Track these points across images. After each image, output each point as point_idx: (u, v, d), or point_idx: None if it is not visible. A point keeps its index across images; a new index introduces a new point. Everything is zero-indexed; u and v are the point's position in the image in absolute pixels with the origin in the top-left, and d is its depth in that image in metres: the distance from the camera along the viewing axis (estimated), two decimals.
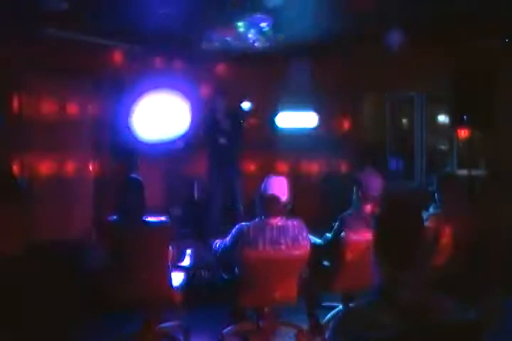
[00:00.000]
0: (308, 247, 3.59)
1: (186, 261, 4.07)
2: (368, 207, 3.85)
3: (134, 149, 6.30)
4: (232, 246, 3.58)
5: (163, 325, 3.99)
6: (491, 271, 4.10)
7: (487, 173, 5.87)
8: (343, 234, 3.74)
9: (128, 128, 6.07)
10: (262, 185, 3.61)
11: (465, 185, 5.02)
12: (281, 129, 7.04)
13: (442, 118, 6.90)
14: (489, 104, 5.11)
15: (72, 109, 6.13)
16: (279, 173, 4.06)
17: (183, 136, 6.38)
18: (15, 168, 5.47)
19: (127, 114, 6.06)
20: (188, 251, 4.46)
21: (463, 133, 5.74)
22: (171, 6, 4.68)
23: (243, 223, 3.61)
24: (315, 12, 4.92)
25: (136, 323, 3.84)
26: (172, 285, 3.72)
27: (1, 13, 4.74)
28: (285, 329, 4.01)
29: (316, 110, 6.89)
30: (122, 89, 6.32)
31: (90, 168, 6.31)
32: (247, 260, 3.52)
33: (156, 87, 6.10)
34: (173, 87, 6.19)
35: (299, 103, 6.92)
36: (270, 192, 3.53)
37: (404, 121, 7.26)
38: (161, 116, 6.09)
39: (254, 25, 5.35)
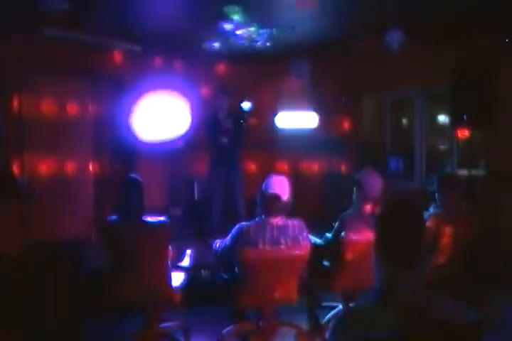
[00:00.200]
0: (309, 247, 3.58)
1: (186, 261, 4.07)
2: (368, 207, 3.85)
3: (133, 149, 6.31)
4: (233, 245, 3.58)
5: (163, 325, 3.99)
6: (491, 271, 4.11)
7: (487, 173, 5.86)
8: (343, 234, 3.74)
9: (128, 128, 6.07)
10: (263, 184, 3.61)
11: (465, 185, 5.02)
12: (281, 129, 7.04)
13: (442, 118, 6.90)
14: (489, 104, 5.11)
15: (72, 109, 6.14)
16: (279, 173, 4.05)
17: (183, 136, 6.39)
18: (15, 168, 5.47)
19: (127, 113, 6.06)
20: (188, 251, 4.47)
21: (463, 133, 5.74)
22: (171, 6, 4.67)
23: (243, 223, 3.61)
24: (315, 12, 4.92)
25: (136, 323, 3.84)
26: (172, 285, 3.72)
27: (1, 12, 4.74)
28: (285, 329, 4.00)
29: (316, 110, 6.89)
30: (122, 89, 6.32)
31: (90, 168, 6.32)
32: (247, 260, 3.51)
33: (155, 87, 6.11)
34: (172, 87, 6.20)
35: (299, 103, 6.92)
36: (272, 191, 3.53)
37: (404, 121, 7.26)
38: (160, 116, 6.09)
39: (254, 25, 5.35)
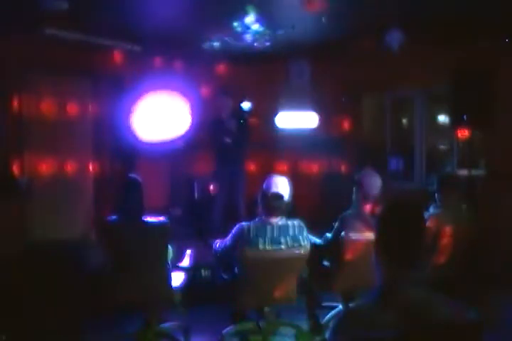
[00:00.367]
0: (308, 247, 3.59)
1: (186, 261, 4.06)
2: (368, 207, 3.84)
3: (133, 149, 6.31)
4: (233, 245, 3.58)
5: (163, 325, 3.99)
6: (491, 271, 4.11)
7: (487, 173, 5.86)
8: (343, 234, 3.74)
9: (128, 128, 6.07)
10: (264, 185, 3.61)
11: (465, 185, 5.02)
12: (281, 129, 7.04)
13: (442, 118, 6.90)
14: (489, 104, 5.11)
15: (72, 109, 6.14)
16: (279, 173, 4.05)
17: (183, 136, 6.39)
18: (15, 168, 5.47)
19: (127, 114, 6.06)
20: (188, 251, 4.46)
21: (463, 133, 5.74)
22: (171, 6, 4.67)
23: (243, 223, 3.61)
24: (315, 12, 4.92)
25: (136, 323, 3.84)
26: (172, 285, 3.72)
27: (1, 12, 4.74)
28: (285, 329, 4.01)
29: (316, 110, 6.89)
30: (122, 89, 6.32)
31: (90, 168, 6.32)
32: (247, 260, 3.51)
33: (155, 87, 6.10)
34: (172, 87, 6.20)
35: (299, 103, 6.92)
36: (272, 191, 3.53)
37: (404, 121, 7.26)
38: (160, 116, 6.09)
39: (253, 25, 5.35)
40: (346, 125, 7.27)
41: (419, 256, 1.74)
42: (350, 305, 3.88)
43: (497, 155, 5.76)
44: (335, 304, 4.13)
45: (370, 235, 3.40)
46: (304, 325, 4.04)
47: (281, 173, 4.08)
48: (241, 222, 3.67)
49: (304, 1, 4.42)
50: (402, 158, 7.01)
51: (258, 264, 3.49)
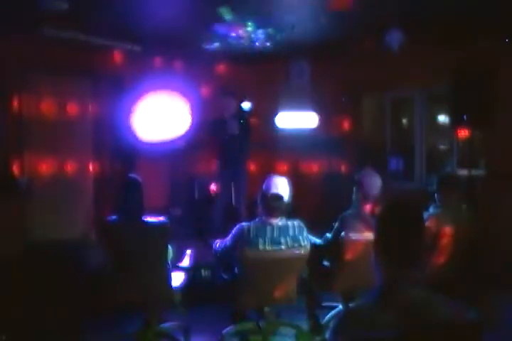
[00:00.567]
0: (308, 247, 3.59)
1: (186, 261, 4.06)
2: (368, 207, 3.84)
3: (133, 149, 6.31)
4: (233, 246, 3.58)
5: (163, 325, 3.99)
6: (491, 271, 4.10)
7: (487, 173, 5.86)
8: (343, 234, 3.74)
9: (128, 128, 6.07)
10: (264, 185, 3.61)
11: (465, 185, 5.02)
12: (281, 129, 7.04)
13: (442, 118, 6.90)
14: (489, 104, 5.10)
15: (72, 109, 6.14)
16: (279, 173, 4.05)
17: (183, 136, 6.39)
18: (15, 168, 5.47)
19: (127, 113, 6.06)
20: (188, 251, 4.47)
21: (463, 133, 5.74)
22: (171, 6, 4.67)
23: (243, 223, 3.61)
24: (315, 12, 4.92)
25: (136, 323, 3.84)
26: (172, 285, 3.72)
27: (1, 12, 4.74)
28: (285, 329, 4.01)
29: (316, 110, 6.89)
30: (122, 89, 6.32)
31: (90, 168, 6.32)
32: (247, 260, 3.51)
33: (155, 87, 6.10)
34: (172, 87, 6.20)
35: (299, 103, 6.91)
36: (273, 190, 3.53)
37: (404, 121, 7.26)
38: (161, 116, 6.09)
39: (253, 25, 5.35)
40: (346, 125, 7.27)
41: (419, 256, 1.74)
42: (350, 305, 3.88)
43: (497, 155, 5.76)
44: (335, 304, 4.13)
45: (370, 235, 3.40)
46: (304, 325, 4.04)
47: (281, 173, 4.08)
48: (241, 222, 3.68)
49: None
50: (402, 158, 7.01)
51: (258, 264, 3.49)
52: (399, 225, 1.76)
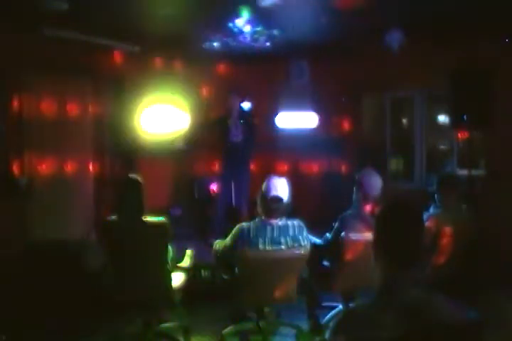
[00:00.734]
0: (308, 247, 3.59)
1: (186, 261, 4.06)
2: (368, 207, 3.84)
3: (134, 149, 6.31)
4: (233, 246, 3.58)
5: (163, 325, 3.99)
6: (491, 271, 4.10)
7: (487, 173, 5.86)
8: (343, 234, 3.74)
9: (128, 128, 6.07)
10: (263, 186, 3.61)
11: (465, 185, 5.02)
12: (281, 129, 7.04)
13: (442, 118, 6.90)
14: (489, 104, 5.10)
15: (72, 109, 6.14)
16: (279, 173, 4.05)
17: (184, 136, 6.39)
18: (15, 168, 5.47)
19: (127, 113, 6.06)
20: (188, 251, 4.46)
21: (463, 133, 5.74)
22: (171, 6, 4.67)
23: (243, 223, 3.61)
24: (315, 12, 4.92)
25: (136, 323, 3.84)
26: (172, 285, 3.72)
27: (1, 12, 4.74)
28: (285, 329, 4.01)
29: (316, 110, 6.89)
30: (122, 89, 6.32)
31: (90, 168, 6.31)
32: (247, 260, 3.52)
33: (156, 87, 6.10)
34: (172, 87, 6.20)
35: (299, 103, 6.91)
36: (272, 192, 3.53)
37: (404, 121, 7.26)
38: (161, 116, 6.09)
39: (254, 25, 5.35)
40: (346, 125, 7.27)
41: (419, 256, 1.74)
42: (350, 305, 3.89)
43: (497, 155, 5.76)
44: (335, 304, 4.14)
45: (370, 235, 3.38)
46: (304, 325, 4.04)
47: (281, 173, 4.09)
48: (241, 222, 3.68)
49: None
50: (402, 158, 7.01)
51: (258, 264, 3.49)
52: (399, 225, 1.76)
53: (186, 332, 3.97)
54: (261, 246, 3.49)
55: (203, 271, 5.01)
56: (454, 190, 4.05)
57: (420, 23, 5.21)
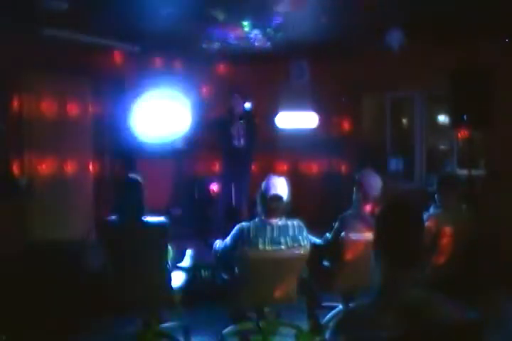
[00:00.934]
0: (308, 247, 3.59)
1: (186, 261, 4.06)
2: (368, 207, 3.85)
3: (133, 149, 6.31)
4: (233, 246, 3.58)
5: (163, 325, 3.99)
6: (491, 271, 4.10)
7: (487, 173, 5.86)
8: (343, 234, 3.74)
9: (128, 128, 6.07)
10: (263, 185, 3.61)
11: (465, 185, 5.02)
12: (281, 129, 7.03)
13: (442, 118, 6.90)
14: (489, 104, 5.10)
15: (72, 109, 6.14)
16: (279, 173, 4.05)
17: (184, 136, 6.39)
18: (15, 168, 5.47)
19: (127, 113, 6.06)
20: (189, 251, 4.46)
21: (463, 133, 5.74)
22: (171, 6, 4.67)
23: (243, 223, 3.62)
24: (315, 12, 4.92)
25: (136, 323, 3.84)
26: (172, 285, 3.72)
27: (0, 12, 4.74)
28: (285, 329, 4.01)
29: (316, 110, 6.88)
30: (122, 89, 6.32)
31: (90, 168, 6.31)
32: (247, 260, 3.52)
33: (155, 86, 6.10)
34: (172, 87, 6.20)
35: (299, 103, 6.91)
36: (272, 192, 3.53)
37: (404, 121, 7.26)
38: (161, 116, 6.09)
39: (254, 25, 5.36)
40: (346, 125, 7.27)
41: (419, 256, 1.74)
42: (350, 305, 3.89)
43: (497, 155, 5.76)
44: (335, 304, 4.14)
45: (370, 235, 3.39)
46: (304, 325, 4.04)
47: (281, 173, 4.08)
48: (241, 222, 3.68)
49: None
50: (402, 158, 7.01)
51: (258, 264, 3.49)
52: (399, 225, 1.75)
53: (186, 332, 3.97)
54: (261, 246, 3.49)
55: (203, 271, 5.01)
56: (454, 190, 4.05)
57: (420, 23, 5.20)
